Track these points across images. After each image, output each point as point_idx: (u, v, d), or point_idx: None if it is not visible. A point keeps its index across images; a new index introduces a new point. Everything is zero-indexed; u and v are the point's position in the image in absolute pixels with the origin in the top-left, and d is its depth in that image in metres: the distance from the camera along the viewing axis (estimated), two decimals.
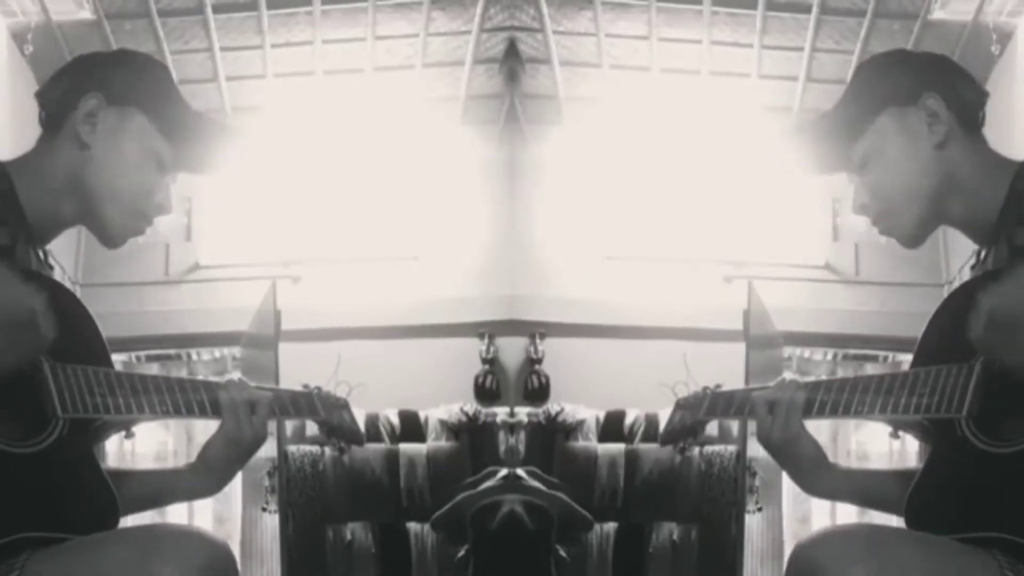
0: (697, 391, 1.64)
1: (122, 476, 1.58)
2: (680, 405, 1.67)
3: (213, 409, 1.56)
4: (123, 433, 1.64)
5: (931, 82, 1.61)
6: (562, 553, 4.25)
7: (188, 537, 1.40)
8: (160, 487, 1.67)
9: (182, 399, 1.54)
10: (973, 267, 1.60)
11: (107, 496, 1.48)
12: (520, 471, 4.31)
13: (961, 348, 1.44)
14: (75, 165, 1.57)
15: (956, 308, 1.47)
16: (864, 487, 1.69)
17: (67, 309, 1.48)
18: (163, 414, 1.54)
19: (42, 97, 1.63)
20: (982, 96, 1.64)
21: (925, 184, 1.58)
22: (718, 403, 1.63)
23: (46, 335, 1.34)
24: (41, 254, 1.58)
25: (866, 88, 1.63)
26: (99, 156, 1.57)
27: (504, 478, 4.26)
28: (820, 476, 1.63)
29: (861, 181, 1.63)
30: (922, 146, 1.59)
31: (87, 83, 1.59)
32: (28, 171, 1.56)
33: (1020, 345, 1.32)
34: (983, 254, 1.57)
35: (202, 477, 1.63)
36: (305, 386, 1.64)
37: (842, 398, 1.54)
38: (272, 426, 3.98)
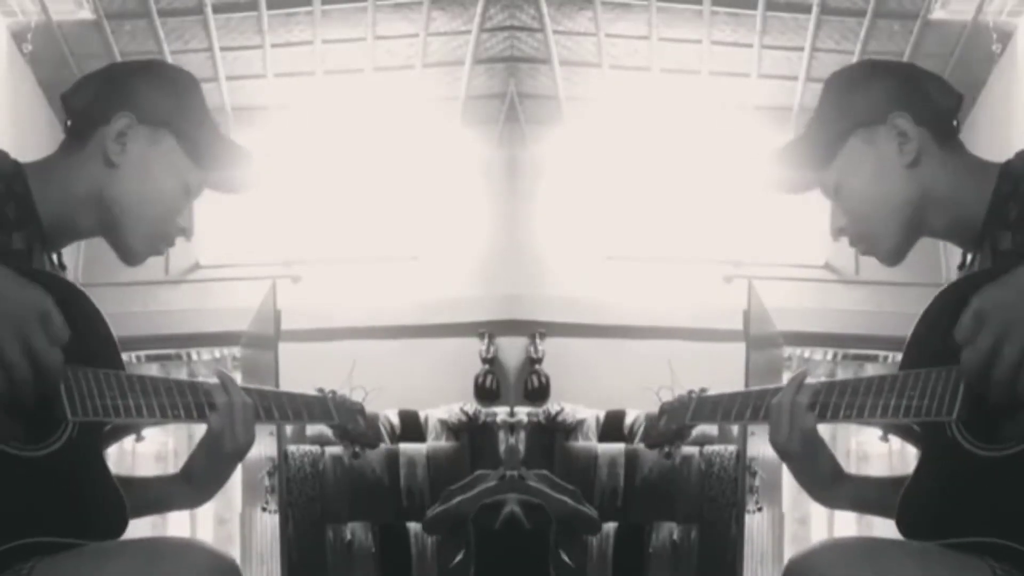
0: (682, 395, 1.63)
1: (123, 483, 1.58)
2: (664, 410, 1.65)
3: None
4: (133, 436, 1.63)
5: (898, 98, 1.58)
6: (564, 558, 4.25)
7: (193, 549, 1.40)
8: (151, 496, 1.66)
9: (193, 402, 1.53)
10: (960, 267, 1.59)
11: (116, 500, 1.48)
12: (525, 474, 4.30)
13: (950, 350, 1.43)
14: (100, 181, 1.55)
15: (943, 310, 1.46)
16: (885, 497, 1.65)
17: (79, 311, 1.47)
18: (174, 417, 1.53)
19: (68, 102, 1.60)
20: (955, 100, 1.61)
21: (899, 204, 1.57)
22: (703, 408, 1.62)
23: (61, 336, 1.32)
24: (55, 258, 1.57)
25: (834, 110, 1.61)
26: (127, 177, 1.56)
27: (501, 478, 4.26)
28: (836, 489, 1.62)
29: (837, 204, 1.62)
30: (893, 166, 1.57)
31: (119, 98, 1.57)
32: (48, 176, 1.54)
33: (1000, 351, 1.30)
34: (970, 259, 1.57)
35: (189, 488, 1.62)
36: (320, 390, 1.62)
37: (830, 401, 1.53)
38: (272, 427, 3.98)
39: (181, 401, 1.52)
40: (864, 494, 1.67)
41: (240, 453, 1.58)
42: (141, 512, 1.61)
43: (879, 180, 1.58)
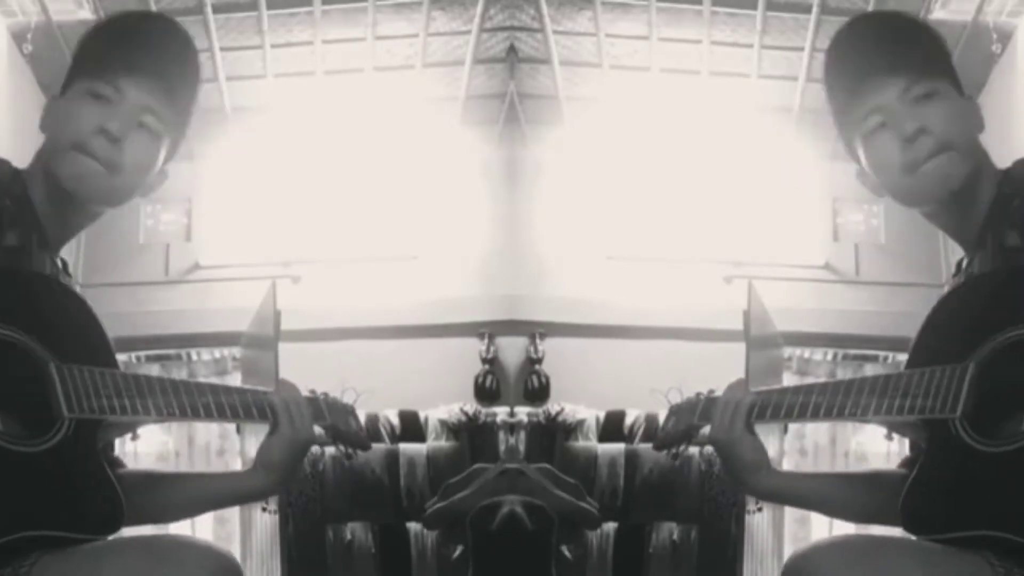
0: (690, 397, 1.65)
1: (178, 479, 1.61)
2: (673, 411, 1.68)
3: (219, 412, 1.56)
4: (129, 435, 1.65)
5: (961, 83, 1.65)
6: (566, 552, 4.25)
7: (194, 547, 1.41)
8: (218, 489, 1.69)
9: (188, 401, 1.54)
10: (955, 275, 1.61)
11: (111, 495, 1.49)
12: (526, 468, 4.30)
13: (956, 349, 1.45)
14: (42, 152, 1.60)
15: (951, 309, 1.48)
16: (804, 489, 1.71)
17: (72, 311, 1.48)
18: (169, 416, 1.54)
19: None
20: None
21: (972, 151, 1.60)
22: (712, 409, 1.64)
23: None
24: (59, 262, 1.58)
25: (935, 49, 1.65)
26: (47, 126, 1.60)
27: (502, 473, 4.26)
28: (759, 477, 1.64)
29: (911, 113, 1.58)
30: (973, 123, 1.62)
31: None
32: (37, 177, 1.57)
33: None
34: (970, 258, 1.58)
35: (262, 478, 1.63)
36: (312, 391, 1.65)
37: (836, 400, 1.55)
38: None
39: (176, 400, 1.53)
40: (801, 488, 1.71)
41: (308, 445, 1.64)
42: (195, 510, 1.68)
43: (966, 118, 1.61)
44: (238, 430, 4.72)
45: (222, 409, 1.55)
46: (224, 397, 1.56)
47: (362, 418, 1.72)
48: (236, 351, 5.21)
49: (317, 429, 1.64)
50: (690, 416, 1.65)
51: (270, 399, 1.58)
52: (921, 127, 1.56)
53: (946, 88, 1.61)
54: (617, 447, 4.64)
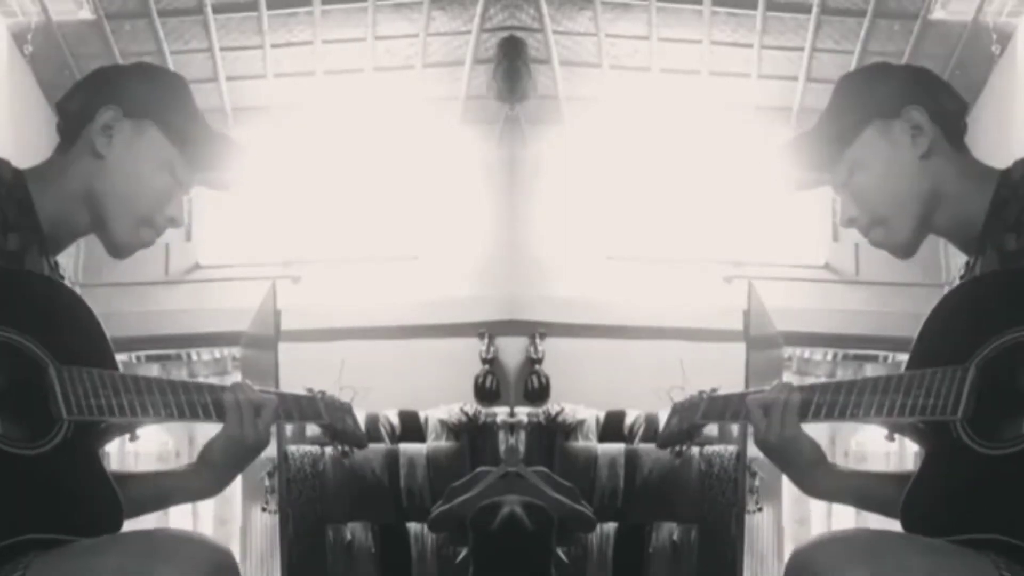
0: (693, 395, 1.64)
1: (124, 478, 1.58)
2: (676, 410, 1.67)
3: (218, 412, 1.56)
4: (127, 436, 1.64)
5: (913, 94, 1.61)
6: (560, 555, 4.25)
7: (190, 542, 1.40)
8: (161, 489, 1.67)
9: (186, 401, 1.54)
10: (962, 276, 1.60)
11: (111, 498, 1.48)
12: (523, 471, 4.30)
13: (957, 351, 1.45)
14: (89, 175, 1.58)
15: (951, 312, 1.48)
16: (863, 489, 1.68)
17: (72, 312, 1.48)
18: (168, 417, 1.53)
19: (61, 108, 1.63)
20: (963, 106, 1.65)
21: (912, 195, 1.59)
22: (714, 407, 1.63)
23: None
24: (53, 262, 1.58)
25: (849, 103, 1.64)
26: (113, 167, 1.58)
27: (503, 476, 4.26)
28: (819, 477, 1.63)
29: (848, 195, 1.64)
30: (907, 157, 1.59)
31: (105, 95, 1.60)
32: (44, 180, 1.57)
33: None
34: (971, 262, 1.58)
35: (202, 479, 1.63)
36: (309, 390, 1.64)
37: (838, 400, 1.54)
38: (272, 427, 3.98)
39: (175, 400, 1.53)
40: (861, 488, 1.68)
41: (256, 449, 1.62)
42: (148, 508, 1.63)
43: (892, 169, 1.60)
44: None
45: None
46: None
47: (362, 418, 1.71)
48: (236, 351, 5.22)
49: (314, 428, 1.63)
50: (692, 415, 1.64)
51: (221, 396, 1.56)
52: (851, 217, 1.63)
53: (866, 143, 1.61)
54: (617, 447, 4.64)
